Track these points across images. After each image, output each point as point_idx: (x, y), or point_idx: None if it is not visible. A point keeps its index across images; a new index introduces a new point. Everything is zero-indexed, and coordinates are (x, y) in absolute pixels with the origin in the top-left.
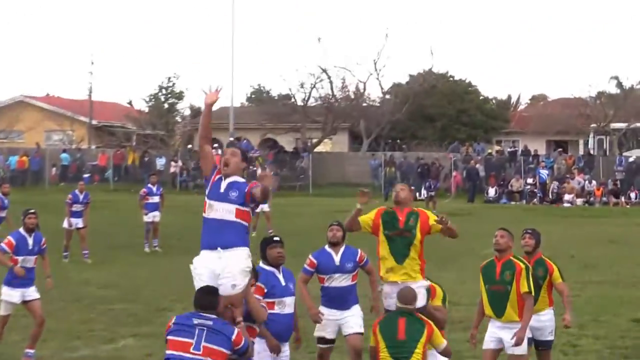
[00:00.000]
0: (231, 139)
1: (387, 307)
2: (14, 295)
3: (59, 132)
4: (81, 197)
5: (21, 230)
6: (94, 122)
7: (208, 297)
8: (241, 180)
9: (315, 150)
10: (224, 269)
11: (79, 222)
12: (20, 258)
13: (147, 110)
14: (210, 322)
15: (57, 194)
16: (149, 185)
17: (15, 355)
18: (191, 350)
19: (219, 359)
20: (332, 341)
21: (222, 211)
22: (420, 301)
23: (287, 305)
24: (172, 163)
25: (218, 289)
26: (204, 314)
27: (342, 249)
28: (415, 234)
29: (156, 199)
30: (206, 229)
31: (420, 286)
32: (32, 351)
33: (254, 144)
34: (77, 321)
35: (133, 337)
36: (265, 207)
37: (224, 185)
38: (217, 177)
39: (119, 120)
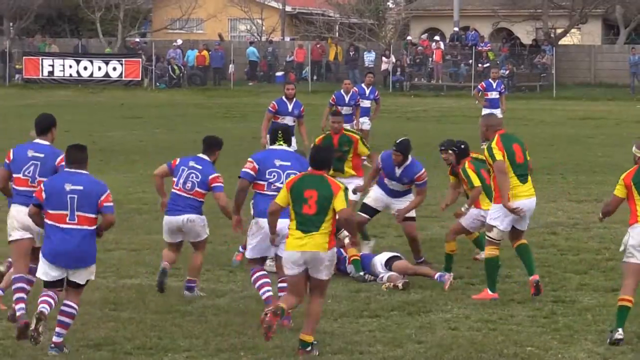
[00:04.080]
0: (456, 29)
1: None
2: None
3: (245, 20)
4: (290, 106)
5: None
6: (288, 8)
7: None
8: None
9: (560, 42)
10: None
11: None
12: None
13: None
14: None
15: (244, 96)
16: (362, 85)
17: None
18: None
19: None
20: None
21: None
22: None
23: None
24: (384, 59)
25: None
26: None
27: None
28: None
29: (367, 104)
30: None
31: None
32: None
33: (483, 35)
34: None
35: None
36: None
37: None
38: None
39: (319, 7)
